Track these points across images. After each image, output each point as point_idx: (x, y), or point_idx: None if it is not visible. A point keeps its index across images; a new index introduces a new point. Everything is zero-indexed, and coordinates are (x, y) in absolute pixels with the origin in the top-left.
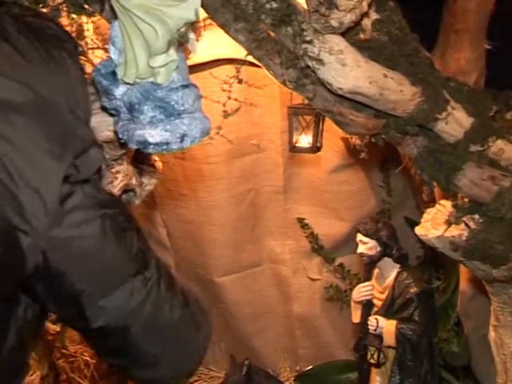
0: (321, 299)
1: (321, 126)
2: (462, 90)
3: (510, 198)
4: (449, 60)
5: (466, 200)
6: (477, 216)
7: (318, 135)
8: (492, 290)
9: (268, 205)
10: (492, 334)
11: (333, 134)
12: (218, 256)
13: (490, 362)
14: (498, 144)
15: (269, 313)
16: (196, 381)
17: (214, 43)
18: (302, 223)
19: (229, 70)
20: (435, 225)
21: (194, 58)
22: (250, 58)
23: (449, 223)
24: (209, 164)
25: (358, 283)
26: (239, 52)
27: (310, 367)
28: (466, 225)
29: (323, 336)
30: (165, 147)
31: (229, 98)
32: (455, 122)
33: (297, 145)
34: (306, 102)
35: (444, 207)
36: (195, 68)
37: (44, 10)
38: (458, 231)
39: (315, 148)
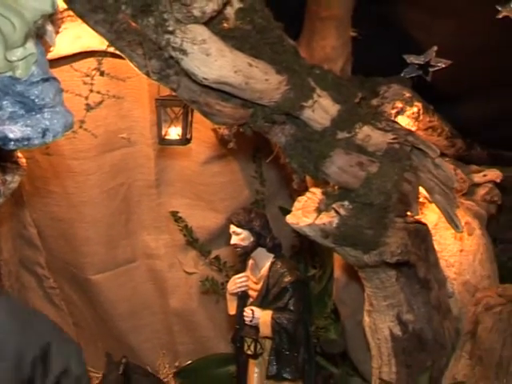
0: (197, 293)
1: (190, 117)
2: (328, 77)
3: (377, 183)
4: (314, 48)
5: (335, 187)
6: (346, 202)
7: (187, 127)
8: (364, 276)
9: (141, 199)
10: (366, 319)
11: (203, 125)
12: (91, 253)
13: (365, 348)
14: (364, 130)
15: (145, 309)
16: None
17: (78, 36)
18: (176, 217)
19: (92, 62)
20: (306, 213)
21: (57, 51)
22: (114, 50)
23: (319, 211)
24: (78, 159)
25: (235, 275)
26: (103, 44)
27: (189, 362)
28: (336, 212)
29: (201, 330)
30: (26, 143)
31: (91, 90)
32: (322, 110)
33: (166, 137)
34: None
35: (314, 195)
36: (58, 62)
37: None
38: (328, 218)
39: (185, 140)
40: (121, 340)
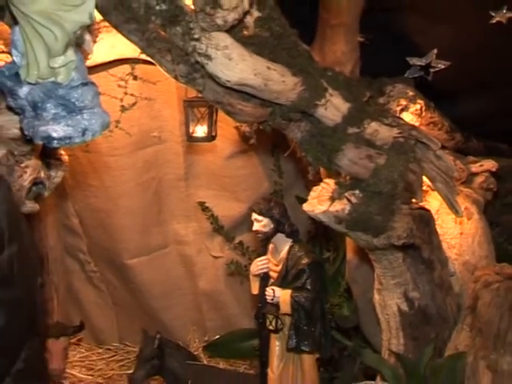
0: (223, 275)
1: (214, 116)
2: (339, 78)
3: (385, 173)
4: (326, 52)
5: (347, 177)
6: (357, 191)
7: (212, 125)
8: (374, 257)
9: (171, 191)
10: (376, 296)
11: (226, 123)
12: (127, 240)
13: (376, 322)
14: (372, 126)
15: (177, 290)
16: (113, 356)
17: (113, 44)
18: (203, 206)
19: (126, 68)
20: (321, 201)
21: (95, 58)
22: (145, 57)
23: (333, 199)
24: (114, 156)
25: (257, 258)
26: (136, 52)
27: (217, 337)
28: (348, 200)
29: (227, 308)
30: (68, 141)
31: (125, 93)
32: (333, 108)
33: (194, 135)
34: (200, 94)
35: (328, 185)
36: (95, 68)
37: None
38: (341, 206)
39: (210, 137)
40: (155, 318)
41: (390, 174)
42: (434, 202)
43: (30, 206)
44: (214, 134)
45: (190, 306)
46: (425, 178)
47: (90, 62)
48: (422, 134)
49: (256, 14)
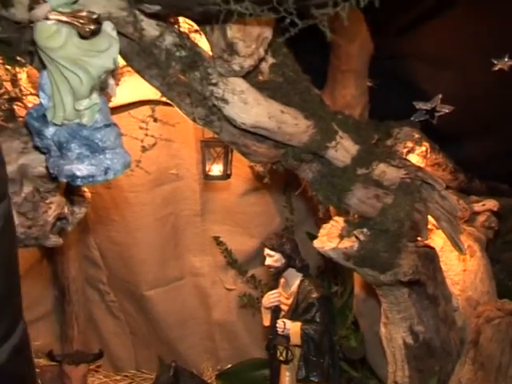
0: (236, 307)
1: (230, 156)
2: (348, 121)
3: (392, 212)
4: (337, 96)
5: (355, 216)
6: (365, 229)
7: (227, 164)
8: (381, 293)
9: (187, 226)
10: (382, 330)
11: (241, 163)
12: (145, 272)
13: (382, 355)
14: (380, 167)
15: (192, 320)
16: (130, 382)
17: (134, 87)
18: (218, 241)
19: (146, 110)
20: (330, 238)
21: (117, 101)
22: (165, 99)
23: (342, 236)
24: (134, 192)
25: (268, 291)
26: (157, 94)
27: (229, 366)
28: (356, 237)
29: (239, 339)
30: (91, 179)
31: (146, 134)
32: (343, 149)
33: (210, 173)
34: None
35: (337, 223)
36: (117, 110)
37: None
38: (349, 243)
39: (226, 175)
40: (170, 346)
41: (397, 213)
42: (438, 239)
43: (53, 240)
44: (229, 172)
45: (204, 336)
46: (430, 217)
47: (112, 104)
48: (427, 174)
49: (271, 60)
